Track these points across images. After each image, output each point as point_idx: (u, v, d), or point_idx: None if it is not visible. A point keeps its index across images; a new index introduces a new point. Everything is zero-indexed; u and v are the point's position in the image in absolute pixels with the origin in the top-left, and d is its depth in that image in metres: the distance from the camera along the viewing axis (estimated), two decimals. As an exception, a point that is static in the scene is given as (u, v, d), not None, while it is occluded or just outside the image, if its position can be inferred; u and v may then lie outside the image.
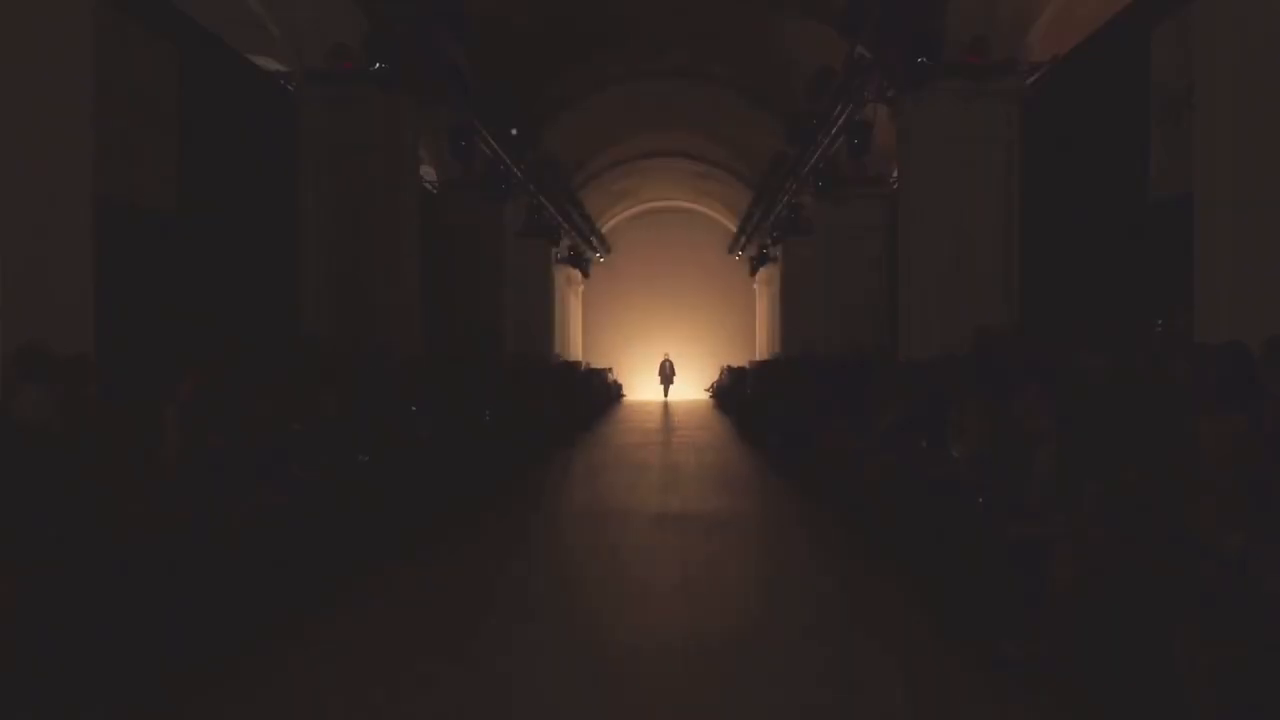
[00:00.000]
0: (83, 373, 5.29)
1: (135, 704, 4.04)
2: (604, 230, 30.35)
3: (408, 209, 12.30)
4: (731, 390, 23.42)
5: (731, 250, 30.95)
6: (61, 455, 4.53)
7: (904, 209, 12.27)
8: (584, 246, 27.43)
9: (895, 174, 14.27)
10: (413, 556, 7.00)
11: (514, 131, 15.95)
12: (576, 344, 30.43)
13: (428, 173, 15.87)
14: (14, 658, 3.61)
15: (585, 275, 29.70)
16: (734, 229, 29.21)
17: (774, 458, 12.73)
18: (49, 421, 4.80)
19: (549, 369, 19.88)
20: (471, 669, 4.69)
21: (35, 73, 5.98)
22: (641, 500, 9.90)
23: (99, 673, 3.96)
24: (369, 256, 11.66)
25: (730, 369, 26.05)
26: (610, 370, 29.00)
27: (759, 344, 30.29)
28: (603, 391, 25.94)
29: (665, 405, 27.93)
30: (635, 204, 31.42)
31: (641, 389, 31.79)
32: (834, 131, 14.50)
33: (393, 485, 7.36)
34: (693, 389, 30.76)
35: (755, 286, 30.90)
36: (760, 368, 21.29)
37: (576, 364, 25.35)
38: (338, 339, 10.83)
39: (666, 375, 31.48)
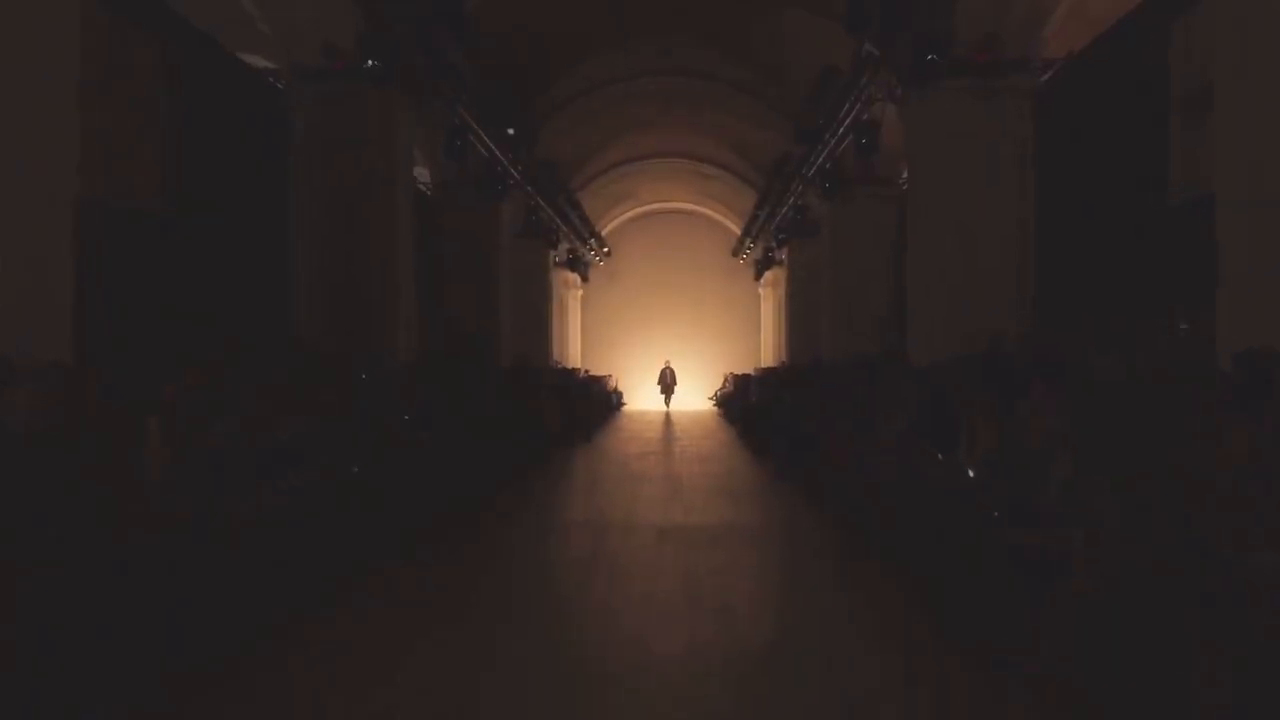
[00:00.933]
0: (58, 379, 5.22)
1: (135, 704, 4.03)
2: (603, 233, 29.81)
3: (403, 204, 12.03)
4: (736, 398, 23.07)
5: (735, 253, 30.43)
6: (61, 456, 4.52)
7: (913, 208, 12.05)
8: (583, 249, 27.07)
9: (904, 174, 14.08)
10: (413, 556, 7.00)
11: (511, 131, 15.74)
12: (575, 350, 29.74)
13: (421, 174, 15.67)
14: (14, 658, 3.61)
15: (584, 279, 29.15)
16: (738, 231, 28.82)
17: (779, 466, 12.63)
18: (36, 426, 4.78)
19: (549, 371, 19.70)
20: (470, 670, 4.68)
21: (18, 75, 5.93)
22: (644, 510, 9.80)
23: (99, 673, 3.96)
24: (363, 252, 11.41)
25: (734, 376, 25.48)
26: (610, 377, 28.23)
27: (764, 349, 29.70)
28: (602, 400, 25.17)
29: (667, 415, 26.96)
30: (636, 206, 30.97)
31: (642, 397, 30.71)
32: (841, 131, 14.28)
33: (393, 485, 7.36)
34: (696, 397, 29.85)
35: (760, 290, 30.38)
36: (765, 375, 20.90)
37: (575, 371, 24.81)
38: (331, 337, 10.68)
39: (667, 383, 29.74)
